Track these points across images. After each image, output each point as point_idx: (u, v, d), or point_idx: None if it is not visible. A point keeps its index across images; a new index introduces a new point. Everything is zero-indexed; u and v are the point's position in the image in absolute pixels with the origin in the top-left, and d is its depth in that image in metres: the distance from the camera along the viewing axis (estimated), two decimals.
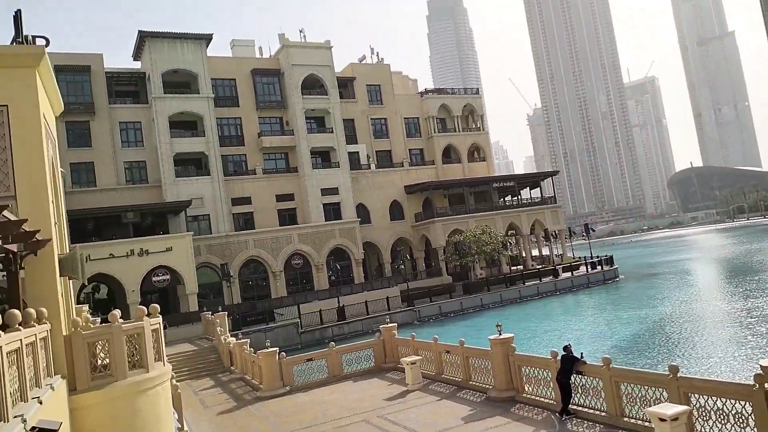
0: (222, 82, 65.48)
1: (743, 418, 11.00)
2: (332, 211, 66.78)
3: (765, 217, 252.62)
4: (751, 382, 10.77)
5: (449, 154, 79.76)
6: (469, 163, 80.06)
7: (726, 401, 11.38)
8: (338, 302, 53.06)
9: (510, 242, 74.03)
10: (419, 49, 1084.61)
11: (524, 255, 77.55)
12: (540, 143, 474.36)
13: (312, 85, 68.78)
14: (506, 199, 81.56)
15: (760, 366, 10.54)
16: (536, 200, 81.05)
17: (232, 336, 35.70)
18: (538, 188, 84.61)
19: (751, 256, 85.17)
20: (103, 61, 60.24)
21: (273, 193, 65.46)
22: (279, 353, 24.94)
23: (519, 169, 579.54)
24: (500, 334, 18.33)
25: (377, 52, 79.49)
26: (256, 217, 64.11)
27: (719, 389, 11.78)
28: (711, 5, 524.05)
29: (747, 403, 10.88)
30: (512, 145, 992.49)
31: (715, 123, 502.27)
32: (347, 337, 46.75)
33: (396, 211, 73.31)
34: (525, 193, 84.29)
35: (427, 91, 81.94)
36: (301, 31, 69.91)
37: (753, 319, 35.91)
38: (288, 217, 66.02)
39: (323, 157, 68.98)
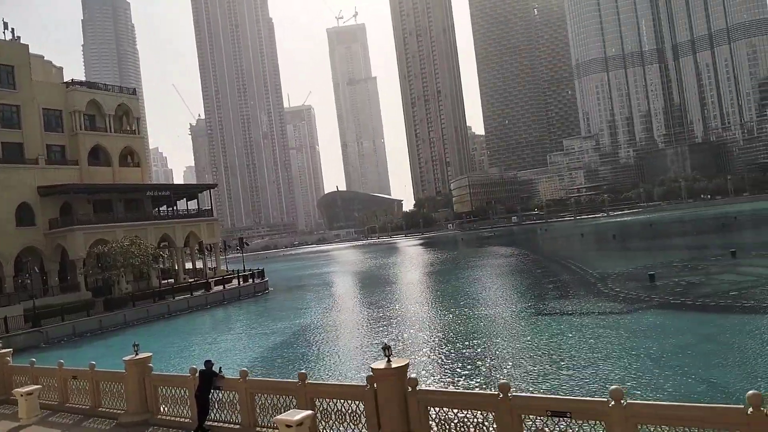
0: None
1: (357, 416, 12.21)
2: None
3: (390, 237, 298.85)
4: (364, 383, 12.03)
5: (97, 156, 72.37)
6: (120, 167, 73.96)
7: (344, 402, 12.48)
8: None
9: (162, 255, 70.68)
10: (71, 36, 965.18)
11: (177, 268, 74.94)
12: (202, 154, 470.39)
13: None
14: (161, 209, 77.82)
15: (371, 368, 11.84)
16: (193, 212, 79.44)
17: None
18: (196, 200, 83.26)
19: (381, 270, 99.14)
20: None
21: None
22: None
23: (179, 179, 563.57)
24: (137, 354, 17.03)
25: (13, 29, 67.70)
26: None
27: (339, 392, 12.90)
28: (360, 51, 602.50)
29: (360, 402, 12.11)
30: (173, 153, 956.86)
31: (358, 154, 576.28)
32: None
33: (25, 215, 62.87)
34: (182, 204, 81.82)
35: (74, 83, 73.09)
36: None
37: (378, 326, 41.40)
38: None
39: None
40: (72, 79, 74.72)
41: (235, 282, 72.11)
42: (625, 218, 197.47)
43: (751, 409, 7.76)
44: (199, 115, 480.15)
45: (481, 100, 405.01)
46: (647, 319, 33.44)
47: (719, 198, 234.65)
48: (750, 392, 7.89)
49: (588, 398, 11.19)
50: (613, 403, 8.79)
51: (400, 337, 35.77)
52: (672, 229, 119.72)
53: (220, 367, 15.24)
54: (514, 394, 10.07)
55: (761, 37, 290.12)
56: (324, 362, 32.29)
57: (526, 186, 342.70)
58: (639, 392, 20.09)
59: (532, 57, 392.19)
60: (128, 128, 77.29)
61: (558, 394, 19.91)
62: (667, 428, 8.54)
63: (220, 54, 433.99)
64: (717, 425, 8.21)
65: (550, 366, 25.31)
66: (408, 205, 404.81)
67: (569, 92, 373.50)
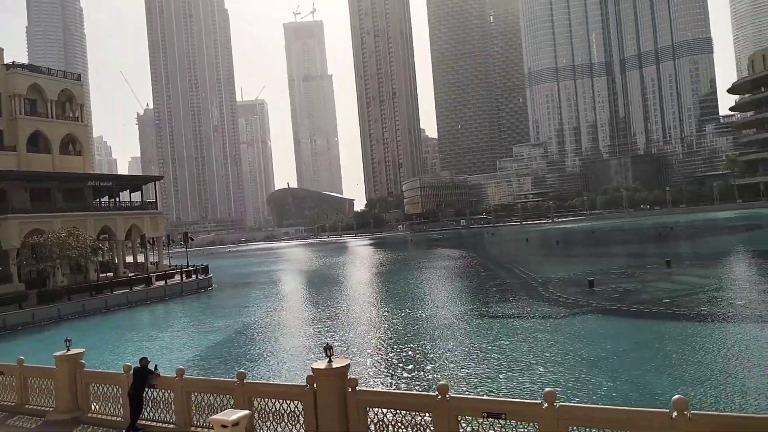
0: None
1: (295, 416, 12.08)
2: None
3: (341, 236, 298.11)
4: (305, 383, 11.91)
5: (37, 142, 69.44)
6: (61, 155, 71.25)
7: (283, 402, 12.33)
8: None
9: (102, 247, 68.30)
10: (14, 16, 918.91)
11: (117, 261, 72.58)
12: (149, 145, 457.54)
13: None
14: (103, 200, 75.25)
15: (312, 368, 11.74)
16: (136, 204, 77.08)
17: None
18: (140, 192, 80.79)
19: (329, 269, 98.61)
20: None
21: None
22: None
23: (123, 170, 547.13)
24: (68, 350, 16.45)
25: None
26: None
27: (278, 392, 12.73)
28: (317, 48, 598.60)
29: (299, 402, 11.99)
30: (118, 142, 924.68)
31: (311, 151, 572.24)
32: None
33: None
34: (125, 196, 79.33)
35: (15, 65, 69.77)
36: None
37: (322, 326, 41.13)
38: None
39: None
40: (13, 62, 71.28)
41: (177, 277, 70.34)
42: (569, 225, 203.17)
43: (675, 413, 8.08)
44: (148, 105, 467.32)
45: (435, 103, 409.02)
46: (584, 324, 34.46)
47: (658, 209, 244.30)
48: (675, 397, 8.21)
49: (523, 400, 11.43)
50: (546, 405, 9.00)
51: (344, 338, 35.66)
52: (612, 237, 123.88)
53: (156, 365, 14.84)
54: (452, 395, 10.18)
55: (703, 55, 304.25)
56: (265, 362, 31.86)
57: (476, 190, 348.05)
58: (573, 395, 20.65)
59: (486, 63, 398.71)
60: (71, 115, 74.40)
61: (495, 396, 20.29)
62: (597, 430, 8.80)
63: (172, 43, 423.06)
64: (644, 428, 8.50)
65: (490, 368, 25.73)
66: (360, 204, 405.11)
67: (521, 100, 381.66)
